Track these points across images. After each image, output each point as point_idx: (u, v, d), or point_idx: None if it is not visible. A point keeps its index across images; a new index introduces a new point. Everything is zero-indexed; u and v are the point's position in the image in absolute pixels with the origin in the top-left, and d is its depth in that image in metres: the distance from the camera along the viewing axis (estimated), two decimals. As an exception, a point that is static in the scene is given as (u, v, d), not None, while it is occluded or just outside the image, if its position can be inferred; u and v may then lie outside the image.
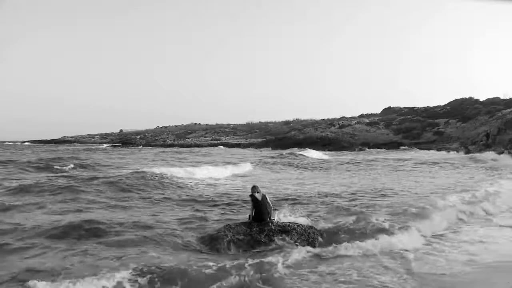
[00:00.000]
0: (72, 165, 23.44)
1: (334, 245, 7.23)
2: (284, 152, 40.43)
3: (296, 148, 57.04)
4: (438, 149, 48.96)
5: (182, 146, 75.92)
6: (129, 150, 59.40)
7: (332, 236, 7.82)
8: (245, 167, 23.31)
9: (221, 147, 71.16)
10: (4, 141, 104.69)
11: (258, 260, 6.36)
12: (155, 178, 16.01)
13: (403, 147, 56.08)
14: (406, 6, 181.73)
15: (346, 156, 40.83)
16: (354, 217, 8.87)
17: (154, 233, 7.94)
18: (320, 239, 7.66)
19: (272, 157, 31.73)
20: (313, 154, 38.24)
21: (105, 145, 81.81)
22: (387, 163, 28.07)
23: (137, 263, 6.16)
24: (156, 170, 17.72)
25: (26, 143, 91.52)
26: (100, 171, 21.32)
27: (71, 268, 6.09)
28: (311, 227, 8.05)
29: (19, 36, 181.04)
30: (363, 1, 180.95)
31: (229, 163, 26.54)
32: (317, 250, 7.13)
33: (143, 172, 16.96)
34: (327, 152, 46.30)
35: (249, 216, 8.17)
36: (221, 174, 19.85)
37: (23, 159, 27.22)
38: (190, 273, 5.90)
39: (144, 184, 14.83)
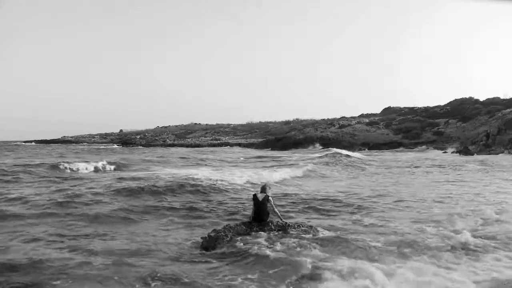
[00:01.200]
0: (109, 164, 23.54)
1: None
2: (324, 152, 40.35)
3: (318, 146, 58.35)
4: (439, 149, 49.08)
5: (182, 146, 75.97)
6: (145, 150, 59.15)
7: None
8: (304, 168, 22.47)
9: (233, 146, 71.54)
10: (8, 141, 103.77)
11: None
12: (214, 184, 15.13)
13: (421, 147, 56.21)
14: (406, 6, 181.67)
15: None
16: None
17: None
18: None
19: (320, 157, 31.52)
20: (351, 153, 38.47)
21: (114, 145, 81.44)
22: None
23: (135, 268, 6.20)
24: (215, 175, 17.14)
25: (32, 143, 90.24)
26: (133, 170, 21.37)
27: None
28: (311, 226, 8.06)
29: (19, 36, 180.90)
30: (363, 1, 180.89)
31: (282, 165, 26.03)
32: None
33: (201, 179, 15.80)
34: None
35: (250, 216, 8.21)
36: (285, 175, 19.13)
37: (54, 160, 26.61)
38: (187, 274, 5.94)
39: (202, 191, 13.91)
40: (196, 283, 5.62)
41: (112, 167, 22.80)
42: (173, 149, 62.23)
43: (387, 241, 7.47)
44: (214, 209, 10.93)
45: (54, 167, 20.65)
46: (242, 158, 36.33)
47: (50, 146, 73.57)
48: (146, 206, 11.05)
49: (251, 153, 47.55)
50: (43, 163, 22.18)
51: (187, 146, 75.37)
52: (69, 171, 20.40)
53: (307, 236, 7.58)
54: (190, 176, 16.43)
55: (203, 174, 17.81)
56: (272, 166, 26.12)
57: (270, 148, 62.61)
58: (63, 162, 22.19)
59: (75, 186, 14.39)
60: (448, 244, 7.22)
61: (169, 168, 23.73)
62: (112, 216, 9.60)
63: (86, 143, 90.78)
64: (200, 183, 14.93)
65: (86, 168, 21.29)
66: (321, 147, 58.28)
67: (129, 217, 9.80)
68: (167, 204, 11.49)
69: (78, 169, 20.80)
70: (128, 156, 37.47)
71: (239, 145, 72.69)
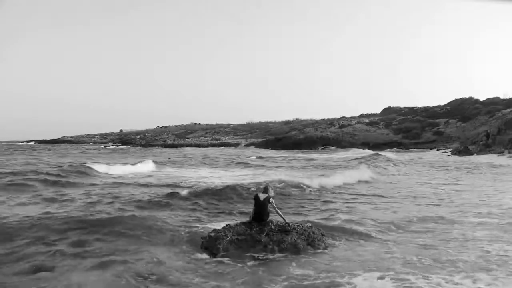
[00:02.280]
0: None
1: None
2: (362, 154, 39.42)
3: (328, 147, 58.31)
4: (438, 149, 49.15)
5: (182, 146, 75.98)
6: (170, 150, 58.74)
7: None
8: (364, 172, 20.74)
9: (249, 147, 71.16)
10: (7, 141, 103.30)
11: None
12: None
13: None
14: (406, 6, 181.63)
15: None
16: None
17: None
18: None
19: (366, 158, 31.01)
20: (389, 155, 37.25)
21: (111, 145, 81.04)
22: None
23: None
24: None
25: (34, 143, 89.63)
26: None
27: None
28: (311, 226, 8.06)
29: (19, 36, 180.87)
30: (363, 1, 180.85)
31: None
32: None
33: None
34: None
35: (250, 216, 8.22)
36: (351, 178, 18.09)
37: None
38: (188, 274, 5.98)
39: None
40: (184, 282, 5.69)
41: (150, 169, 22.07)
42: (189, 149, 62.23)
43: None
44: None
45: (88, 168, 19.64)
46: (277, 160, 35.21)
47: (60, 146, 72.93)
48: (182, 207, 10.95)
49: (272, 154, 46.68)
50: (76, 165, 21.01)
51: (187, 146, 75.41)
52: (100, 172, 19.44)
53: (306, 236, 7.62)
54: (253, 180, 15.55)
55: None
56: (306, 167, 25.77)
57: (270, 148, 62.62)
58: (100, 163, 21.46)
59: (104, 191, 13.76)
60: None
61: (204, 168, 23.84)
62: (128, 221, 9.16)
63: (92, 143, 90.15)
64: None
65: (122, 170, 20.48)
66: (333, 147, 58.52)
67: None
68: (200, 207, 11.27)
69: (110, 172, 19.80)
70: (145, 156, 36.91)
71: (239, 145, 72.69)
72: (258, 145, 67.88)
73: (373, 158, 31.07)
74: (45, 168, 20.13)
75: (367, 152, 42.05)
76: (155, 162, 24.85)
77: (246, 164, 29.10)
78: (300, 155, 44.33)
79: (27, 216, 8.90)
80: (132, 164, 22.59)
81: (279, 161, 34.25)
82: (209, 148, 68.75)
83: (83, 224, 8.57)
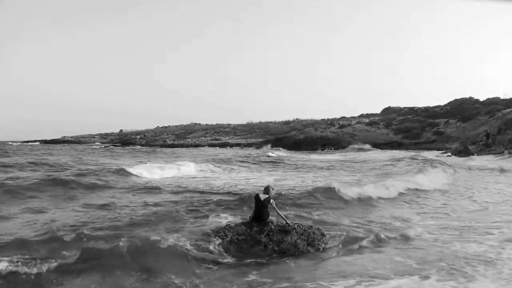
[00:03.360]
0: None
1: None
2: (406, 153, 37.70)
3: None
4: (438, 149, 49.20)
5: (182, 146, 75.98)
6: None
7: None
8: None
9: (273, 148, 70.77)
10: (15, 141, 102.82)
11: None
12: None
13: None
14: (406, 6, 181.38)
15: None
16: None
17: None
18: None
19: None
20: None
21: (110, 146, 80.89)
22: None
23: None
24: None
25: (38, 144, 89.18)
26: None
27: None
28: (311, 227, 8.07)
29: (19, 36, 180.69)
30: (363, 1, 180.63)
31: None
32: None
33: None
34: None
35: (250, 216, 8.23)
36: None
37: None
38: (188, 273, 6.02)
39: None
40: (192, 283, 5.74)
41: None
42: (207, 149, 61.49)
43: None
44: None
45: (123, 171, 18.33)
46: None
47: (64, 147, 71.74)
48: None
49: (296, 155, 44.72)
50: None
51: (187, 146, 75.38)
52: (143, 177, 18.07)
53: (306, 236, 7.64)
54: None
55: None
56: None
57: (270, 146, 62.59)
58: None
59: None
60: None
61: (246, 171, 23.09)
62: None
63: (92, 143, 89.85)
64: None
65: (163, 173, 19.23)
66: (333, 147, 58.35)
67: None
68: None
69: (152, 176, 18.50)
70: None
71: (239, 145, 72.58)
72: (258, 146, 67.60)
73: (420, 160, 27.75)
74: (75, 171, 18.63)
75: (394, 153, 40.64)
76: (194, 163, 23.42)
77: (274, 164, 27.82)
78: (319, 156, 42.29)
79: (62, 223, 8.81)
80: (170, 167, 21.17)
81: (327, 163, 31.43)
82: (220, 148, 68.38)
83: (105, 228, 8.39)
